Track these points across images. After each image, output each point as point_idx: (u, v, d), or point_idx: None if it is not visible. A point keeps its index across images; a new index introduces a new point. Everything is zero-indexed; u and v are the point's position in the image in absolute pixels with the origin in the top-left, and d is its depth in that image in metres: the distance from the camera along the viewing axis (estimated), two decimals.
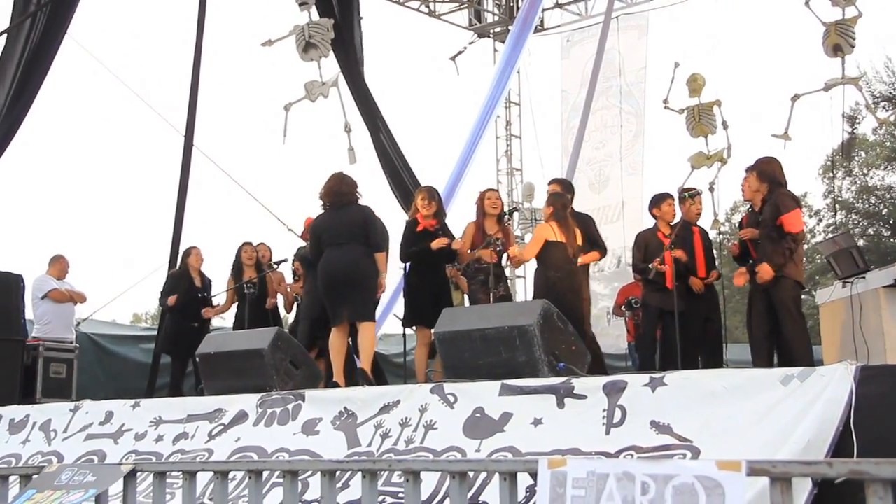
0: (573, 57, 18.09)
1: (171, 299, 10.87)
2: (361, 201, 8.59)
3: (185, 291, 10.87)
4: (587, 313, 9.23)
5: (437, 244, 8.76)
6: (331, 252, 8.29)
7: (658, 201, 9.30)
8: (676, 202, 9.17)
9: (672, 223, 9.20)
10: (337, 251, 8.25)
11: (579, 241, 8.72)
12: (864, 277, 8.58)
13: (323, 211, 8.62)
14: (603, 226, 16.08)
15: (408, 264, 9.09)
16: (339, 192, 8.45)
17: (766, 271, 7.73)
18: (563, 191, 9.27)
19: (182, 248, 11.59)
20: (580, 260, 8.86)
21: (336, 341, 8.24)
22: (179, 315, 10.89)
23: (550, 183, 9.68)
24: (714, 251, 9.41)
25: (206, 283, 11.16)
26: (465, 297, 9.76)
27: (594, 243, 9.20)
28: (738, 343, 9.16)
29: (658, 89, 14.98)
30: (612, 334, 14.75)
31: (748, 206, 8.91)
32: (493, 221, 9.12)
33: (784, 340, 7.78)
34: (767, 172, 8.00)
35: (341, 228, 8.28)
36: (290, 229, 12.01)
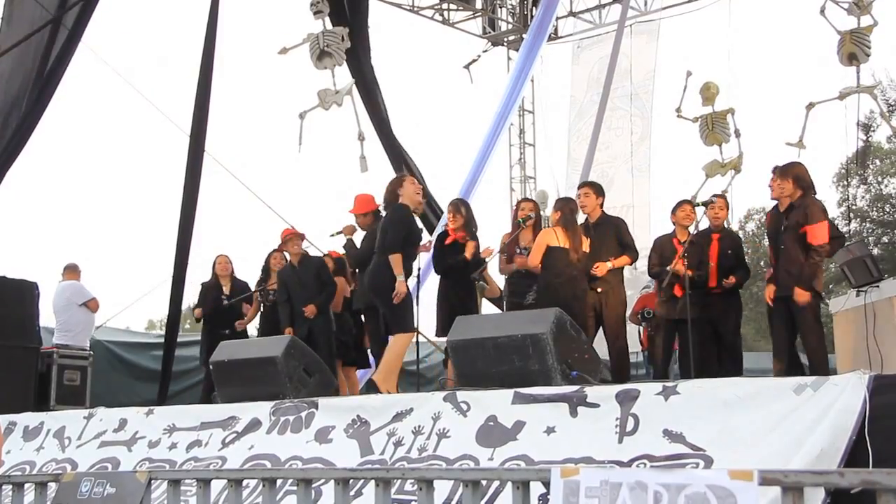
0: (582, 62, 18.09)
1: (197, 312, 11.08)
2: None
3: (214, 300, 10.94)
4: (619, 318, 9.10)
5: (469, 251, 8.91)
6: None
7: (675, 208, 9.26)
8: (700, 210, 9.08)
9: (689, 227, 9.15)
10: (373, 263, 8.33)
11: (585, 247, 8.67)
12: (877, 286, 8.55)
13: None
14: None
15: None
16: (385, 198, 8.47)
17: (801, 296, 7.57)
18: (592, 193, 9.25)
19: (192, 256, 11.57)
20: (611, 264, 8.78)
21: None
22: (210, 324, 10.97)
23: (580, 187, 9.64)
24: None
25: (240, 289, 11.09)
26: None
27: (625, 247, 9.02)
28: (752, 352, 9.10)
29: (666, 92, 14.99)
30: None
31: (767, 209, 8.86)
32: (529, 231, 9.16)
33: (805, 350, 7.74)
34: (806, 178, 7.84)
35: (379, 238, 8.27)
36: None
